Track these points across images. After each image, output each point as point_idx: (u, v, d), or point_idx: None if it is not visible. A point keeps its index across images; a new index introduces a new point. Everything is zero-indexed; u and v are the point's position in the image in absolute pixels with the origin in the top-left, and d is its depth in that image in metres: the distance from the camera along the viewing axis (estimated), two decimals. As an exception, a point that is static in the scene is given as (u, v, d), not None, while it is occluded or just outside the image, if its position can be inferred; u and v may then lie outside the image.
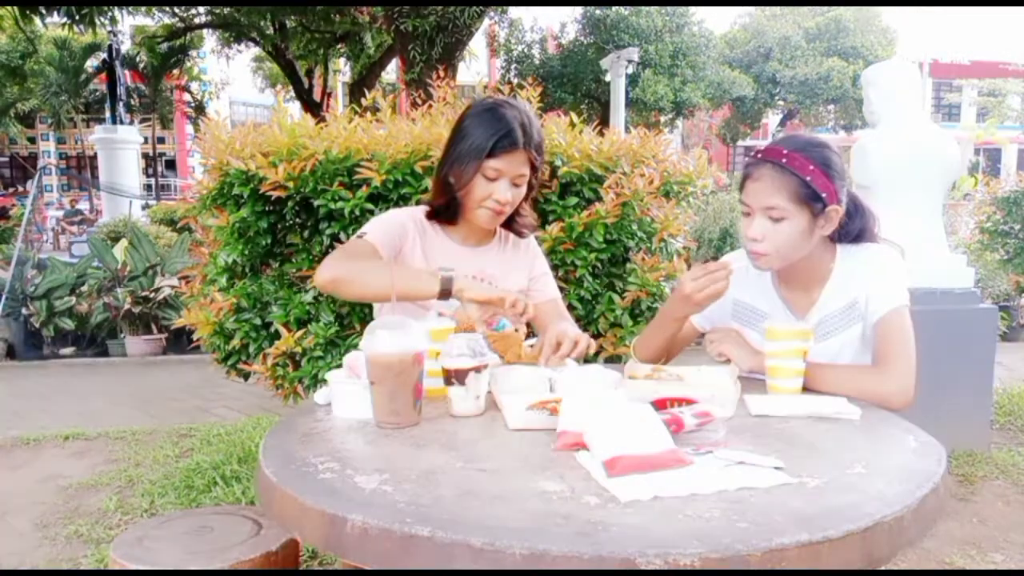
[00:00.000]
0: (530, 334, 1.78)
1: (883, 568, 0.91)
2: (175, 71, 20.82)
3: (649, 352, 1.75)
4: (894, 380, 1.48)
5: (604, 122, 7.77)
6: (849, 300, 1.61)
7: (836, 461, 1.08)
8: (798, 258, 1.57)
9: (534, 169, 1.68)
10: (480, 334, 1.37)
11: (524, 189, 1.70)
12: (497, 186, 1.64)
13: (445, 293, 1.51)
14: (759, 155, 1.55)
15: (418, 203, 2.39)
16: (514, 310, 1.51)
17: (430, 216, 1.76)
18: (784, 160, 1.50)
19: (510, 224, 1.82)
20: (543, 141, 1.71)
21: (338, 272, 1.58)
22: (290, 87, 15.62)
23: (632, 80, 15.76)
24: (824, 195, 1.50)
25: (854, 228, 1.62)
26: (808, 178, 1.48)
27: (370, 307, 2.51)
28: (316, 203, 2.40)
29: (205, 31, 17.31)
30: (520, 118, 1.63)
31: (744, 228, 1.58)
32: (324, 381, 1.59)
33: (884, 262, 1.60)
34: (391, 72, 17.10)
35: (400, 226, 1.72)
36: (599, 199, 2.54)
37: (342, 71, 19.84)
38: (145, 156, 22.42)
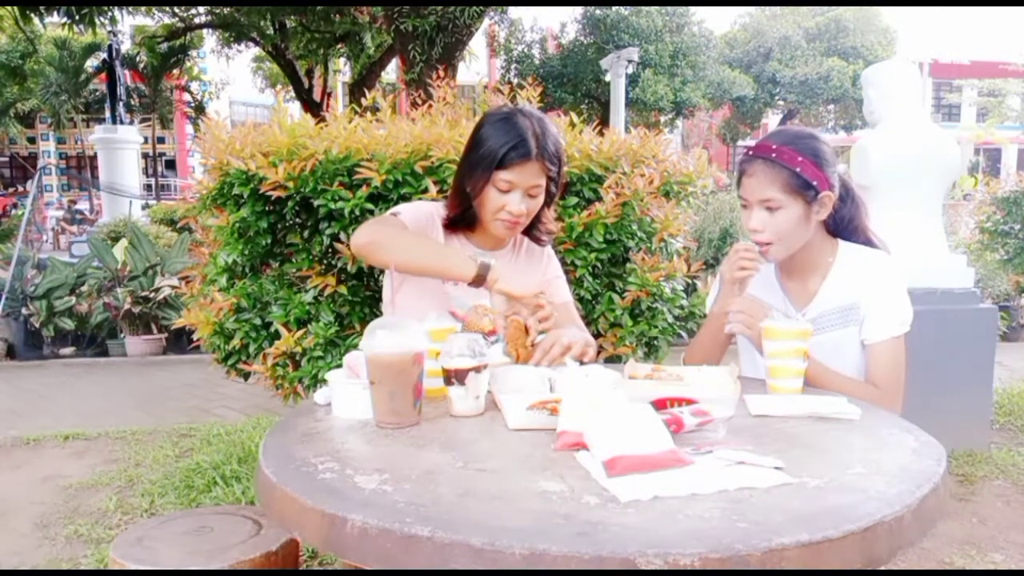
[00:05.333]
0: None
1: (883, 568, 0.91)
2: (175, 71, 20.83)
3: (695, 352, 1.78)
4: (887, 402, 1.56)
5: (604, 122, 7.76)
6: (848, 302, 1.66)
7: (836, 461, 1.08)
8: (800, 245, 1.65)
9: (551, 178, 1.67)
10: (480, 335, 1.37)
11: (540, 200, 1.68)
12: (510, 198, 1.62)
13: (479, 279, 1.52)
14: (751, 152, 1.66)
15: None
16: (539, 312, 1.53)
17: (446, 225, 1.74)
18: (774, 155, 1.59)
19: (529, 231, 1.81)
20: (561, 149, 1.68)
21: (376, 236, 1.60)
22: (290, 87, 15.63)
23: (632, 80, 15.78)
24: (815, 183, 1.58)
25: (846, 214, 1.71)
26: (798, 169, 1.57)
27: (370, 307, 2.51)
28: (316, 203, 2.40)
29: (205, 31, 17.31)
30: (534, 128, 1.61)
31: (745, 221, 1.67)
32: (324, 381, 1.59)
33: (887, 278, 1.65)
34: (391, 72, 17.11)
35: (428, 216, 1.73)
36: (599, 199, 2.54)
37: (342, 71, 19.84)
38: (145, 156, 22.43)
